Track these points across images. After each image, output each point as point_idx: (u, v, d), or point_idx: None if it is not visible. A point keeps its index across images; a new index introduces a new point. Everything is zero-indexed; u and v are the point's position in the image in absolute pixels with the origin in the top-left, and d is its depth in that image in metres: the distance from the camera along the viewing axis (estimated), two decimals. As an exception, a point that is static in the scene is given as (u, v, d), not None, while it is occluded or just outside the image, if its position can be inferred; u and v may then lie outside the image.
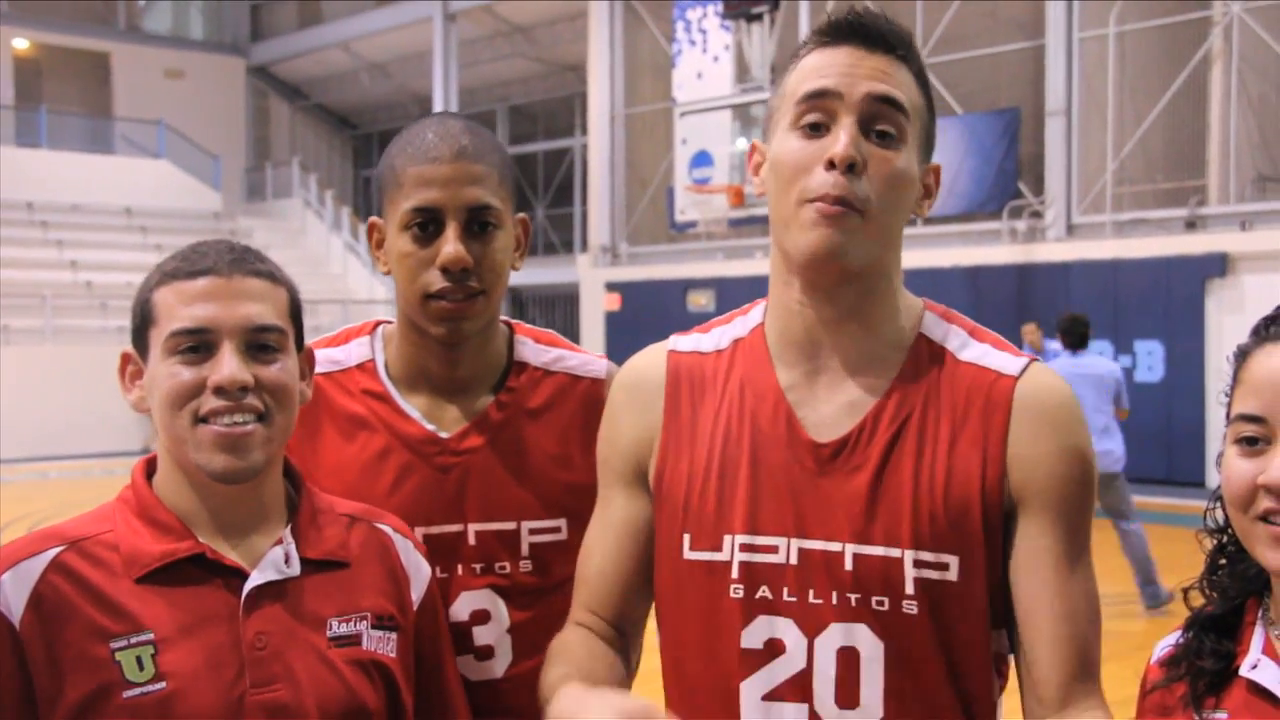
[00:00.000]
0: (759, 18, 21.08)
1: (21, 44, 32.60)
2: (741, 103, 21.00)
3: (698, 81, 22.00)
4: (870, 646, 1.79)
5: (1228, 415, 1.70)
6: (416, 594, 1.98)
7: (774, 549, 1.83)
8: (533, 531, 2.19)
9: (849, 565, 1.79)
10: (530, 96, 31.03)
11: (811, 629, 1.81)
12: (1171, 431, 16.66)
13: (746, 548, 1.84)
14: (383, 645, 1.89)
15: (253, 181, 34.38)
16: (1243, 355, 1.70)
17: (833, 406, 1.86)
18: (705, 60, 22.00)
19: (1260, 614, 1.71)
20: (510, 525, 2.18)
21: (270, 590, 1.83)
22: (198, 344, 1.81)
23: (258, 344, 1.83)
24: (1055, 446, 1.80)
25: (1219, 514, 1.74)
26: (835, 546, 1.81)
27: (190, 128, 32.44)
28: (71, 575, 1.78)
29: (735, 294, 20.93)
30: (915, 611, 1.78)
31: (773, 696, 1.83)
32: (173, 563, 1.80)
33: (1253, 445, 1.63)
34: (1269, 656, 1.66)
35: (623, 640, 1.98)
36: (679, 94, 22.20)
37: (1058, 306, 17.32)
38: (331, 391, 2.21)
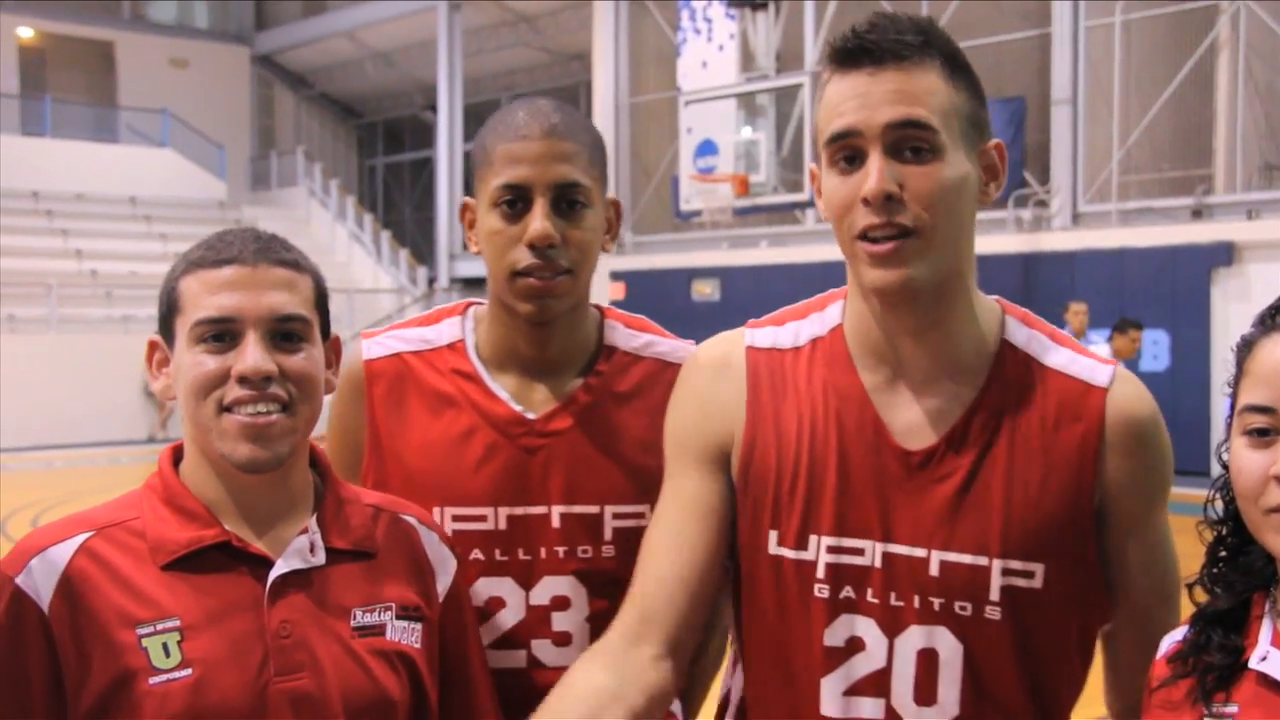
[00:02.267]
0: (764, 6, 21.08)
1: (26, 33, 32.52)
2: (747, 91, 20.99)
3: (703, 70, 21.96)
4: (950, 649, 1.85)
5: (1232, 406, 1.69)
6: (442, 585, 1.98)
7: (860, 551, 1.88)
8: (616, 516, 2.18)
9: (934, 571, 1.85)
10: (535, 85, 30.96)
11: (892, 630, 1.86)
12: (1176, 421, 16.33)
13: (833, 549, 1.88)
14: (407, 636, 1.89)
15: (257, 170, 34.32)
16: (1248, 345, 1.69)
17: (918, 413, 1.90)
18: (710, 49, 21.96)
19: (1268, 606, 1.70)
20: (594, 509, 2.18)
21: (295, 579, 1.83)
22: (222, 333, 1.81)
23: (282, 333, 1.83)
24: (1146, 460, 1.87)
25: (1219, 505, 1.73)
26: (920, 552, 1.86)
27: (195, 117, 32.41)
28: (99, 561, 1.79)
29: (740, 283, 21.05)
30: (998, 617, 1.84)
31: (852, 692, 1.88)
32: (199, 550, 1.81)
33: (1263, 436, 1.62)
34: (1278, 649, 1.66)
35: (670, 661, 1.91)
36: (684, 83, 22.16)
37: (1063, 296, 17.32)
38: (421, 370, 2.23)
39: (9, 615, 1.75)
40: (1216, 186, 18.38)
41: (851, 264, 1.85)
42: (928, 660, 1.86)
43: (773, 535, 1.93)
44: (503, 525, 2.15)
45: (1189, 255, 17.30)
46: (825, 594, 1.89)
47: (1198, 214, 17.93)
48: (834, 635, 1.89)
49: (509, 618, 2.16)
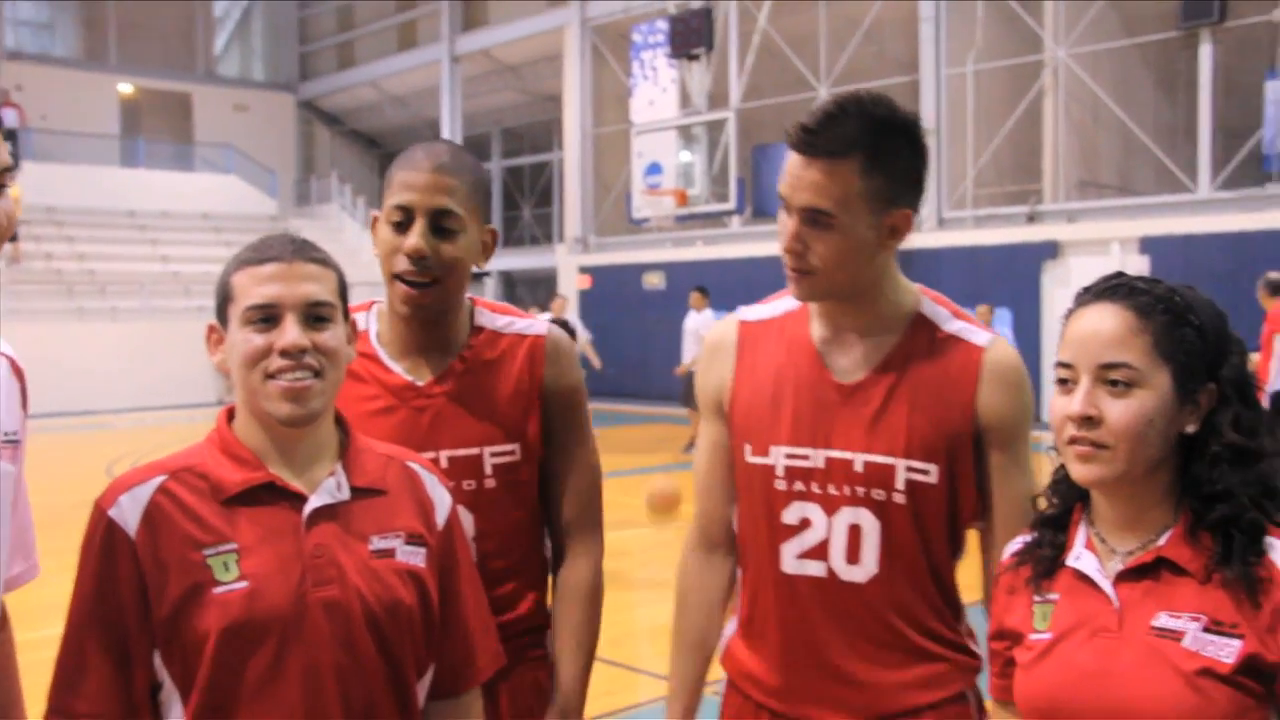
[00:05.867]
0: (697, 57, 21.14)
1: (126, 88, 32.36)
2: (684, 124, 20.99)
3: (650, 107, 21.94)
4: (870, 524, 2.03)
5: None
6: (440, 518, 1.96)
7: (806, 457, 2.06)
8: (494, 455, 2.20)
9: (858, 468, 2.03)
10: (519, 121, 30.80)
11: (829, 510, 2.05)
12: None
13: (789, 455, 2.07)
14: (413, 558, 1.88)
15: (301, 191, 34.02)
16: (1065, 317, 1.72)
17: (851, 358, 2.07)
18: (656, 91, 21.93)
19: (1084, 516, 1.73)
20: (475, 451, 2.20)
21: (325, 511, 1.83)
22: (267, 316, 1.81)
23: (314, 316, 1.83)
24: (1008, 399, 2.02)
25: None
26: (849, 455, 2.03)
27: (253, 149, 32.19)
28: (173, 498, 1.80)
29: (681, 274, 21.06)
30: (903, 502, 2.01)
31: (803, 556, 2.07)
32: (250, 489, 1.82)
33: (1064, 385, 1.67)
34: (1088, 549, 1.70)
35: (727, 536, 2.21)
36: (635, 117, 22.12)
37: (932, 282, 17.27)
38: None
39: (104, 540, 1.78)
40: (1045, 197, 18.50)
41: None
42: (854, 532, 2.03)
43: (747, 448, 2.12)
44: None
45: (1025, 251, 17.43)
46: (783, 487, 2.07)
47: (1031, 219, 18.05)
48: (789, 515, 2.07)
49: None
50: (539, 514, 2.29)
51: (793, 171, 1.97)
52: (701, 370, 2.23)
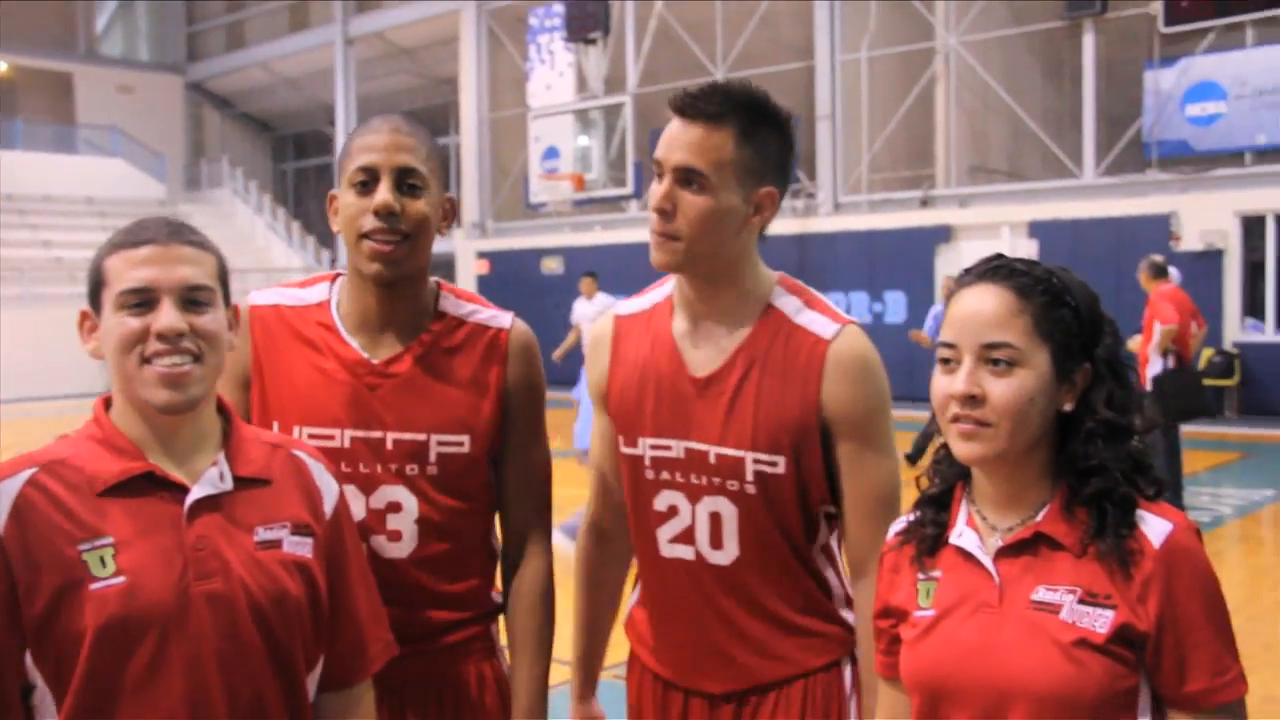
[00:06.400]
0: (594, 41, 21.15)
1: (0, 66, 31.35)
2: (581, 108, 20.98)
3: (547, 91, 21.91)
4: (728, 511, 2.11)
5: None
6: (328, 506, 1.93)
7: (668, 448, 2.14)
8: (440, 444, 2.18)
9: (712, 460, 2.10)
10: (414, 105, 30.42)
11: (693, 499, 2.13)
12: (911, 359, 17.08)
13: (654, 446, 2.16)
14: (299, 548, 1.85)
15: (191, 175, 33.41)
16: (948, 297, 1.75)
17: (705, 351, 2.13)
18: (553, 75, 21.90)
19: (965, 494, 1.77)
20: (421, 437, 2.17)
21: (208, 502, 1.79)
22: (143, 300, 1.77)
23: (191, 299, 1.79)
24: (853, 389, 2.06)
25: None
26: (704, 447, 2.11)
27: (139, 132, 31.52)
28: (44, 491, 1.74)
29: (579, 259, 21.02)
30: (754, 492, 2.08)
31: (674, 540, 2.17)
32: (128, 480, 1.77)
33: (947, 365, 1.69)
34: (969, 527, 1.73)
35: (617, 521, 2.31)
36: (532, 101, 22.08)
37: (828, 266, 17.58)
38: (294, 320, 2.22)
39: None
40: (938, 182, 18.83)
41: None
42: (715, 519, 2.12)
43: (620, 439, 2.21)
44: (347, 444, 2.15)
45: (919, 235, 17.72)
46: (651, 476, 2.16)
47: (925, 203, 18.37)
48: (659, 503, 2.17)
49: (354, 517, 2.13)
50: (487, 507, 2.28)
51: (671, 134, 2.03)
52: (588, 364, 2.30)
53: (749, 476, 2.07)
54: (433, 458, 2.17)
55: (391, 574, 2.12)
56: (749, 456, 2.06)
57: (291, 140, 36.31)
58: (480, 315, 2.27)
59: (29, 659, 1.71)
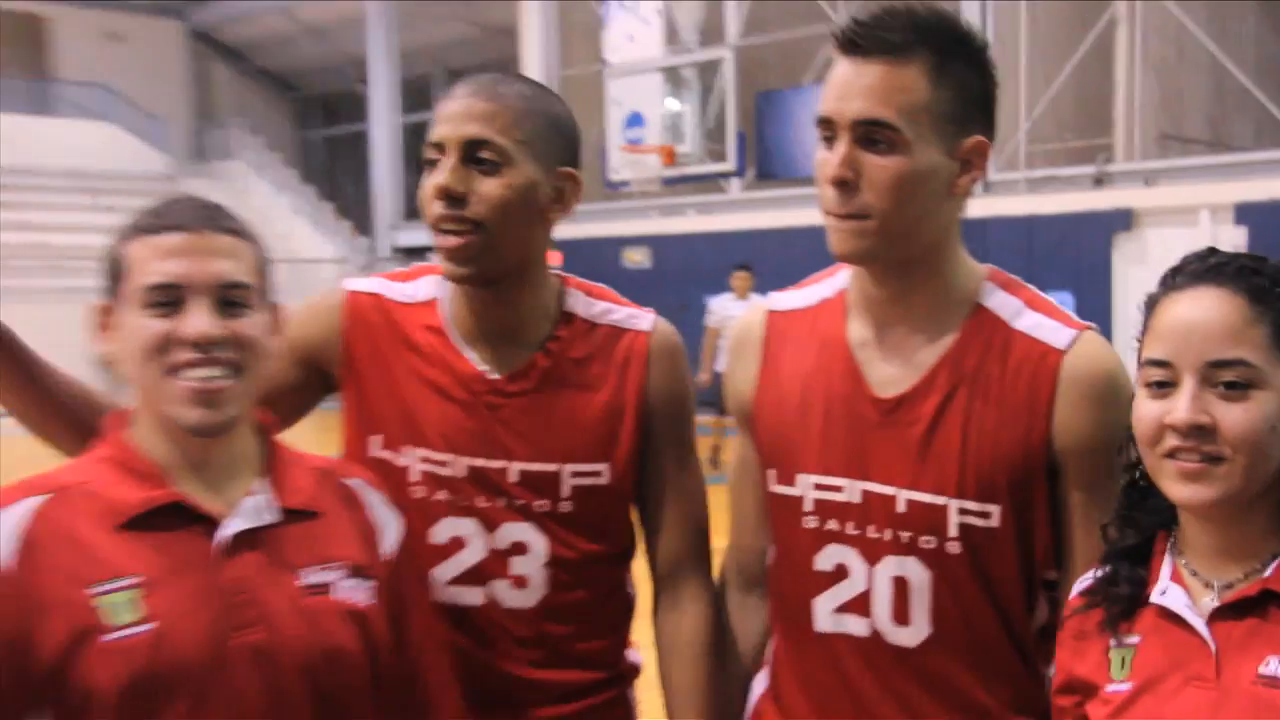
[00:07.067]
0: (688, -17, 21.11)
1: (-44, 7, 31.72)
2: (672, 64, 20.94)
3: (629, 44, 21.85)
4: (919, 577, 1.97)
5: (1139, 360, 1.74)
6: (388, 544, 1.97)
7: (839, 489, 2.01)
8: (574, 474, 2.18)
9: (901, 508, 1.97)
10: (467, 60, 30.56)
11: (871, 557, 2.00)
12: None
13: (819, 486, 2.03)
14: (354, 594, 1.88)
15: (196, 144, 33.92)
16: (1151, 304, 1.73)
17: (895, 365, 2.01)
18: (636, 23, 21.85)
19: (1169, 545, 1.75)
20: (552, 467, 2.17)
21: (246, 537, 1.82)
22: (170, 298, 1.79)
23: (228, 299, 1.82)
24: (1093, 417, 1.93)
25: (1131, 451, 1.77)
26: (890, 490, 1.98)
27: (134, 91, 31.98)
28: (56, 523, 1.77)
29: (670, 251, 21.10)
30: (958, 551, 1.95)
31: (841, 610, 2.03)
32: (153, 510, 1.79)
33: (1160, 388, 1.67)
34: (1175, 583, 1.71)
35: (764, 570, 2.22)
36: (610, 56, 22.05)
37: (976, 259, 17.42)
38: (399, 317, 2.23)
39: None
40: (1117, 155, 18.60)
41: None
42: (901, 586, 1.98)
43: (771, 474, 2.10)
44: (462, 473, 2.15)
45: (1091, 221, 17.50)
46: (813, 524, 2.04)
47: (1099, 182, 18.12)
48: (823, 561, 2.04)
49: (470, 557, 2.17)
50: (626, 547, 2.29)
51: (842, 80, 1.91)
52: (728, 370, 2.23)
53: (952, 531, 1.95)
54: (565, 491, 2.18)
55: (515, 626, 2.16)
56: (953, 505, 1.94)
57: (319, 102, 36.85)
58: (615, 315, 2.27)
59: None
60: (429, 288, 2.27)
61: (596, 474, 2.19)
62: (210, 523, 1.81)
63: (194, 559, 1.79)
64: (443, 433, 2.16)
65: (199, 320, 1.78)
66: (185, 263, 1.80)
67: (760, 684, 2.23)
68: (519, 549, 2.17)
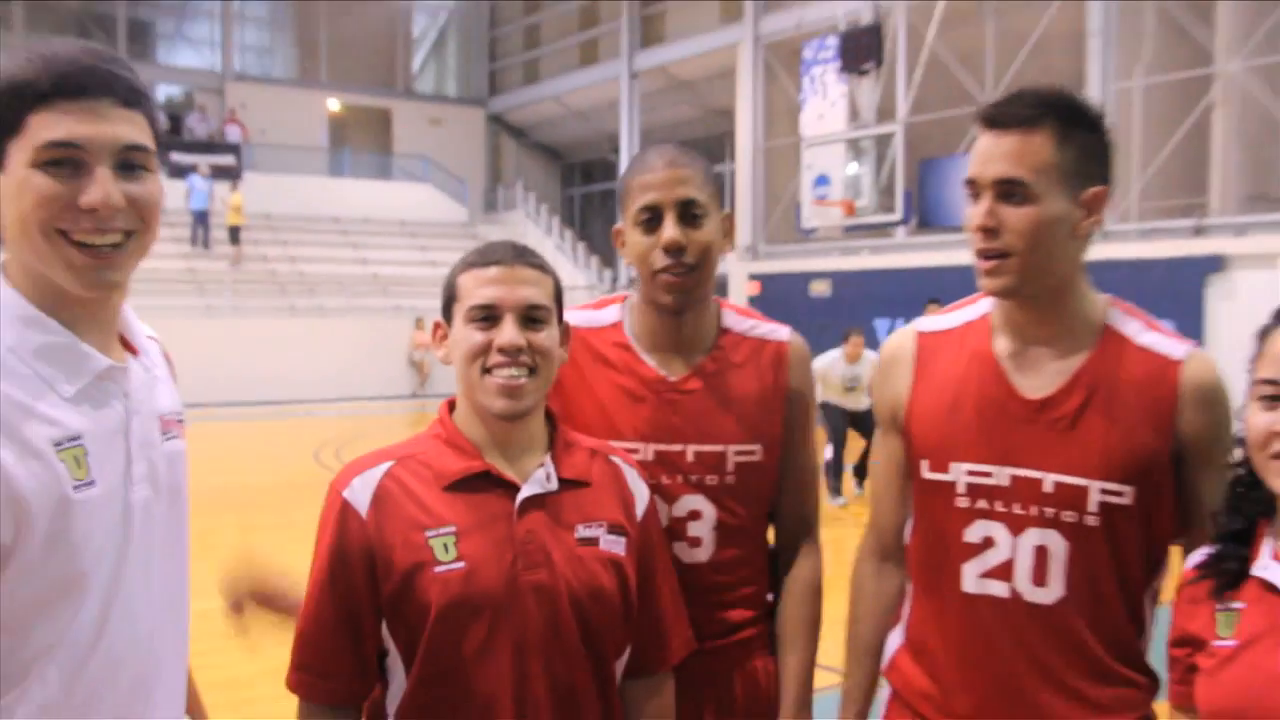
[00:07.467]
0: (867, 72, 21.00)
1: (334, 105, 33.35)
2: (853, 137, 20.87)
3: (819, 121, 21.82)
4: (1058, 546, 1.91)
5: (1251, 379, 1.70)
6: (640, 509, 1.97)
7: (989, 474, 1.94)
8: (737, 453, 2.18)
9: (1048, 488, 1.90)
10: (693, 134, 30.83)
11: (1015, 530, 1.93)
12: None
13: (971, 473, 1.96)
14: (614, 546, 1.88)
15: (489, 199, 34.56)
16: (1264, 334, 1.70)
17: (1038, 374, 1.94)
18: (825, 105, 21.81)
19: (1270, 529, 1.71)
20: (719, 448, 2.17)
21: (535, 500, 1.85)
22: (488, 315, 1.84)
23: (531, 317, 1.85)
24: (1210, 416, 1.88)
25: (1237, 454, 1.75)
26: (1037, 474, 1.91)
27: (446, 160, 32.96)
28: (399, 482, 1.84)
29: (847, 282, 21.02)
30: (1096, 524, 1.89)
31: (985, 575, 1.96)
32: (468, 476, 1.84)
33: (1273, 401, 1.65)
34: (1275, 560, 1.67)
35: (899, 547, 2.14)
36: (805, 130, 22.04)
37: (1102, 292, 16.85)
38: (592, 340, 2.24)
39: (338, 518, 1.83)
40: (1211, 210, 17.94)
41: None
42: (1041, 554, 1.91)
43: (924, 464, 2.03)
44: (650, 457, 2.15)
45: (1189, 265, 16.91)
46: (965, 504, 1.96)
47: (1197, 232, 17.50)
48: (971, 534, 1.96)
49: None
50: (767, 512, 2.27)
51: (984, 149, 1.88)
52: (878, 384, 2.16)
53: (1092, 508, 1.88)
54: (730, 467, 2.17)
55: (692, 577, 2.13)
56: (1094, 485, 1.88)
57: (579, 167, 37.32)
58: (761, 329, 2.28)
59: (385, 629, 1.83)
60: (613, 313, 2.27)
61: (753, 453, 2.19)
62: (510, 487, 1.84)
63: (498, 515, 1.83)
64: (633, 426, 2.16)
65: (508, 332, 1.82)
66: (500, 289, 1.84)
67: (895, 639, 2.15)
68: (694, 515, 2.17)
